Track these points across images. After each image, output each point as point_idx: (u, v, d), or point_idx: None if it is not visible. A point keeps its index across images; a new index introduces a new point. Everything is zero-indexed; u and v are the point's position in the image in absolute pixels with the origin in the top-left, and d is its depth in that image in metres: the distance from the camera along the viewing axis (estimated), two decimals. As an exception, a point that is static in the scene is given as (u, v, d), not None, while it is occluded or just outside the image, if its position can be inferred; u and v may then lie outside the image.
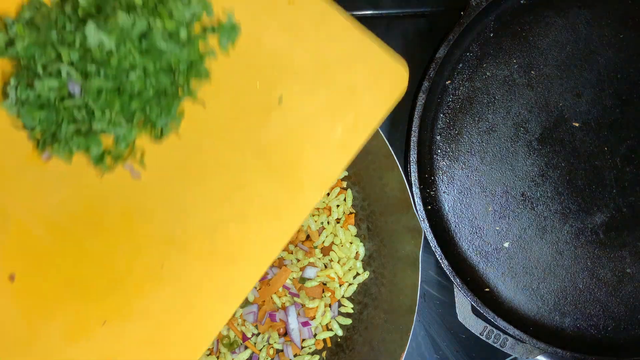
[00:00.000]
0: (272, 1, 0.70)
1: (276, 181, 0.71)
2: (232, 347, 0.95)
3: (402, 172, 0.88)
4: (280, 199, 0.71)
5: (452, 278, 0.95)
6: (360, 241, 0.99)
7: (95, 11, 0.67)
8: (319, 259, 0.97)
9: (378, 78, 0.71)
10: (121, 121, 0.68)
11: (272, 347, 0.97)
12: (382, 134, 0.88)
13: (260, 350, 0.97)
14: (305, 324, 0.96)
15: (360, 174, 0.97)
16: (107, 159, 0.70)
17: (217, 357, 0.95)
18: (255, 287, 0.97)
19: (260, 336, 0.96)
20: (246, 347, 0.96)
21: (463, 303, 0.97)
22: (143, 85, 0.67)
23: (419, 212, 0.94)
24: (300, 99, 0.71)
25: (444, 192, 1.01)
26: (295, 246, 0.95)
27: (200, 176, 0.71)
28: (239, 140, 0.71)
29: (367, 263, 0.99)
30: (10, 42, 0.68)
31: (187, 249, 0.71)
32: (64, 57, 0.65)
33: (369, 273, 0.98)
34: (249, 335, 0.96)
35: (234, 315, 0.91)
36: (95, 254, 0.71)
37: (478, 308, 0.95)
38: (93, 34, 0.64)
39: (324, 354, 0.99)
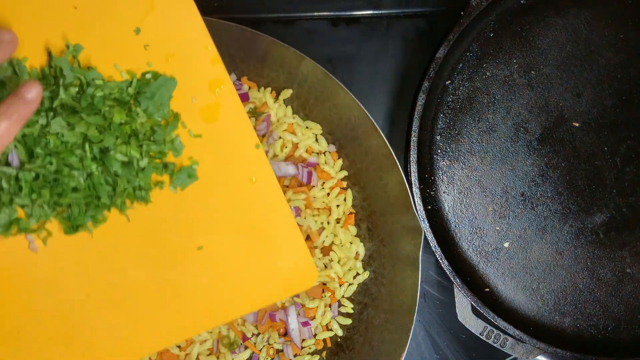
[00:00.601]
0: (237, 176, 0.76)
1: (165, 305, 0.75)
2: (232, 347, 0.95)
3: (402, 172, 0.88)
4: (160, 319, 0.75)
5: (452, 278, 0.95)
6: (360, 241, 0.99)
7: (70, 108, 0.68)
8: (319, 259, 0.97)
9: (293, 270, 0.79)
10: (43, 206, 0.69)
11: (272, 347, 0.97)
12: (382, 134, 0.89)
13: (260, 350, 0.97)
14: (305, 324, 0.96)
15: (360, 174, 0.97)
16: (14, 228, 0.70)
17: (217, 357, 0.95)
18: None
19: (260, 336, 0.96)
20: (246, 347, 0.96)
21: (463, 303, 0.97)
22: (81, 186, 0.69)
23: (419, 212, 0.94)
24: (220, 256, 0.76)
25: (444, 192, 1.01)
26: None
27: (94, 276, 0.73)
28: (146, 261, 0.74)
29: (367, 263, 0.99)
30: None
31: (45, 329, 0.72)
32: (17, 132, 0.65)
33: (369, 273, 0.98)
34: (249, 335, 0.96)
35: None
36: None
37: (478, 308, 0.95)
38: (57, 125, 0.66)
39: (324, 354, 0.99)
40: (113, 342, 0.74)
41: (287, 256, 0.79)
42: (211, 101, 0.74)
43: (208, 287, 0.77)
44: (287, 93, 0.98)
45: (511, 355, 1.02)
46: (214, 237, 0.76)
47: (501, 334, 0.97)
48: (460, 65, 1.01)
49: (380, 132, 0.88)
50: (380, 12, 1.06)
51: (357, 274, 0.99)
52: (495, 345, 0.98)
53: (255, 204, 0.77)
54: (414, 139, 0.96)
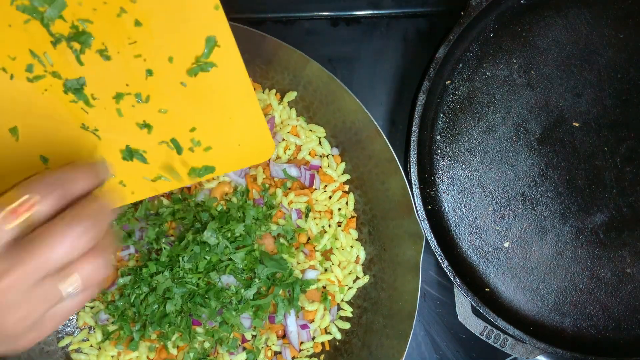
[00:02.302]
0: (194, 37, 0.74)
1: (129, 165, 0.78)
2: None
3: (404, 178, 0.88)
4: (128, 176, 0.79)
5: (452, 278, 0.95)
6: (361, 245, 0.98)
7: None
8: (320, 262, 0.97)
9: (251, 141, 0.80)
10: None
11: (271, 349, 0.97)
12: (385, 138, 0.88)
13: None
14: (304, 326, 0.96)
15: (362, 178, 0.97)
16: None
17: (216, 358, 0.95)
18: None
19: (259, 338, 0.96)
20: (244, 349, 0.96)
21: (463, 303, 0.97)
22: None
23: (419, 212, 0.93)
24: (177, 120, 0.78)
25: (444, 192, 1.01)
26: (297, 249, 0.95)
27: None
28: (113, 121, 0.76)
29: (367, 267, 0.99)
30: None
31: None
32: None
33: (369, 277, 0.98)
34: (248, 337, 0.96)
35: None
36: None
37: (478, 308, 0.95)
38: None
39: (322, 357, 0.98)
40: None
41: (244, 126, 0.79)
42: None
43: (170, 154, 0.78)
44: (291, 95, 0.98)
45: (511, 355, 1.02)
46: (172, 101, 0.75)
47: (501, 334, 0.97)
48: (460, 65, 1.00)
49: (384, 136, 0.88)
50: (380, 12, 1.06)
51: (357, 277, 0.99)
52: (495, 345, 0.98)
53: (217, 72, 0.76)
54: (414, 139, 0.95)
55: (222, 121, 0.79)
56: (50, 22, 0.70)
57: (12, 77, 0.72)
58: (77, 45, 0.72)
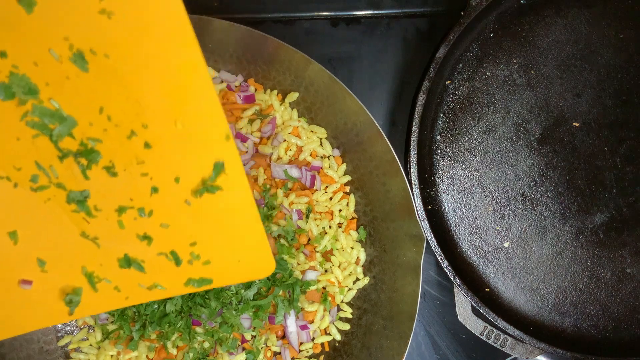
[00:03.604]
0: (205, 162, 0.75)
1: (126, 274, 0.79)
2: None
3: (406, 179, 0.88)
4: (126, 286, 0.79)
5: (452, 278, 0.95)
6: (362, 246, 0.98)
7: None
8: (320, 263, 0.96)
9: (252, 258, 0.80)
10: None
11: (270, 349, 0.97)
12: (387, 140, 0.88)
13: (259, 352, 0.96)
14: (303, 327, 0.96)
15: (363, 179, 0.97)
16: None
17: (215, 358, 0.95)
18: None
19: (258, 338, 0.96)
20: (244, 349, 0.96)
21: (463, 303, 0.97)
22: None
23: (419, 212, 0.93)
24: (183, 236, 0.78)
25: (444, 192, 1.00)
26: (297, 250, 0.95)
27: None
28: (114, 234, 0.78)
29: (367, 269, 0.98)
30: None
31: None
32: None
33: (369, 279, 0.98)
34: (247, 337, 0.96)
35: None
36: None
37: (478, 308, 0.95)
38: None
39: (321, 358, 0.98)
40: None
41: (246, 245, 0.79)
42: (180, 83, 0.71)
43: (168, 264, 0.78)
44: (293, 96, 0.97)
45: (511, 355, 1.02)
46: (174, 217, 0.76)
47: (501, 334, 0.97)
48: (460, 65, 1.00)
49: (385, 138, 0.88)
50: (380, 12, 1.06)
51: (357, 279, 0.98)
52: (495, 345, 0.98)
53: (223, 194, 0.76)
54: (414, 139, 0.95)
55: (224, 238, 0.79)
56: (59, 138, 0.70)
57: (15, 185, 0.71)
58: (84, 161, 0.72)
